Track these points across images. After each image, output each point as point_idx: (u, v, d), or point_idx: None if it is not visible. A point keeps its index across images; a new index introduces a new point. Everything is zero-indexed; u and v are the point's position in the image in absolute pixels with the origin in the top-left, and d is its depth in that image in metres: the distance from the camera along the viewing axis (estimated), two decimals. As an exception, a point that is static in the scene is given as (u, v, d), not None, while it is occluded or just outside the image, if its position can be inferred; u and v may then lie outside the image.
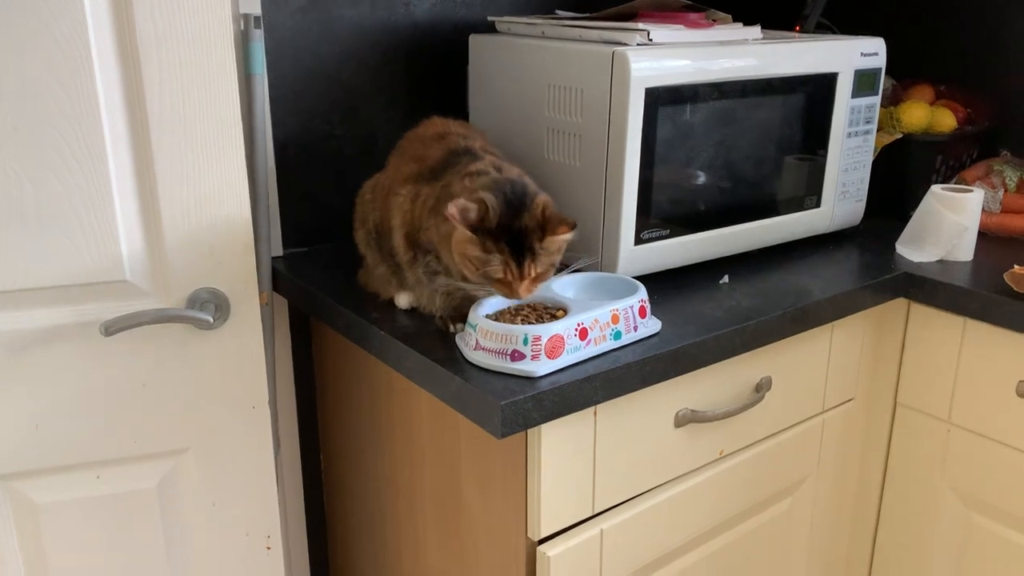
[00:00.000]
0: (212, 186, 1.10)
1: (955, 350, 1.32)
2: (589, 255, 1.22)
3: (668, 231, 1.25)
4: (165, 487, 1.19)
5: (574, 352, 1.01)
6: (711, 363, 1.12)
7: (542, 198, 1.01)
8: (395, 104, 1.48)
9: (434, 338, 1.09)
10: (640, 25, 1.20)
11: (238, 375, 1.17)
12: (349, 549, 1.52)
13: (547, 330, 0.98)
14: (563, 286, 1.13)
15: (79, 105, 1.02)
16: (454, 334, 1.08)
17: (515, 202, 0.99)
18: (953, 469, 1.35)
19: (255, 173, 1.31)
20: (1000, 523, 1.32)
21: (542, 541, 1.07)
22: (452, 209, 0.95)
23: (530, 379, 0.98)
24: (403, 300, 1.18)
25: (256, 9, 1.28)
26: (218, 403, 1.18)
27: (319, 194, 1.43)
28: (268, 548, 1.27)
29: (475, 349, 1.01)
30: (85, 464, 1.14)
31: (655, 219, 1.23)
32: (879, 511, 1.48)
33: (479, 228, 0.97)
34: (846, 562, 1.54)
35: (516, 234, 0.98)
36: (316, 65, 1.38)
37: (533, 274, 0.99)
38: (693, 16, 1.27)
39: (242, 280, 1.14)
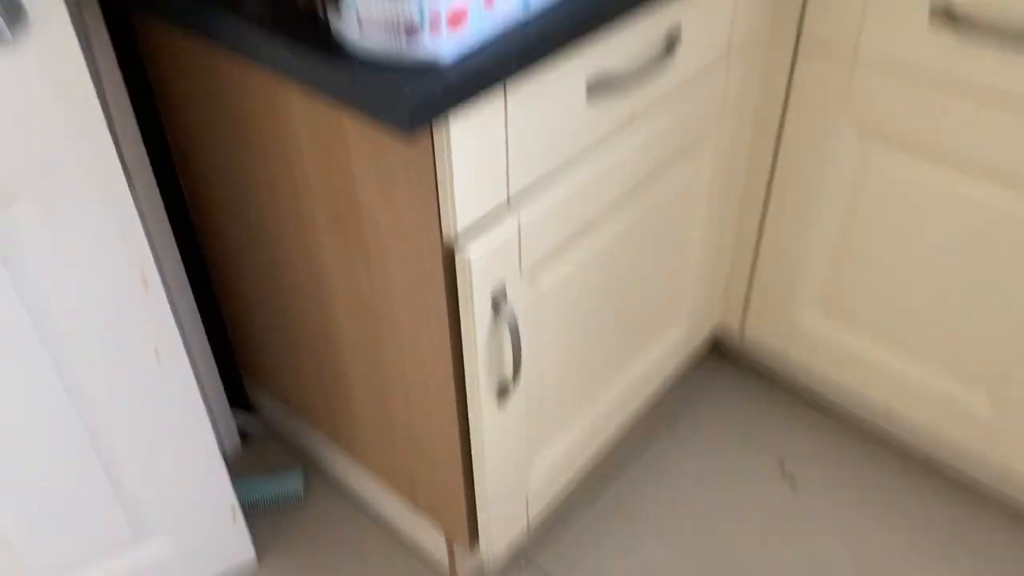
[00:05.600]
0: None
1: (863, -27, 1.22)
2: None
3: None
4: (5, 243, 1.00)
5: (479, 23, 0.84)
6: (622, 12, 0.98)
7: None
8: None
9: (301, 21, 0.89)
10: None
11: (59, 99, 0.94)
12: (236, 277, 1.39)
13: (444, -4, 0.80)
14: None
15: None
16: (326, 16, 0.88)
17: None
18: (856, 101, 1.31)
19: None
20: (898, 151, 1.32)
21: (459, 238, 0.97)
22: None
23: (432, 63, 0.81)
24: (249, -23, 0.94)
25: None
26: (44, 136, 0.96)
27: None
28: (145, 284, 1.12)
29: (359, 30, 0.82)
30: None
31: None
32: (776, 150, 1.46)
33: None
34: (740, 205, 1.54)
35: None
36: None
37: None
38: None
39: (32, -29, 0.87)
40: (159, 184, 1.33)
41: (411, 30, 0.80)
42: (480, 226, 0.99)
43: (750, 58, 1.33)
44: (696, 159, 1.34)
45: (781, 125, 1.43)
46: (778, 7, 1.32)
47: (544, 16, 0.90)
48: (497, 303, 1.05)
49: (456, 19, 0.82)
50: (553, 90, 0.98)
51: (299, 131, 1.03)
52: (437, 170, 0.91)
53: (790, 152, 1.43)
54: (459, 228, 0.96)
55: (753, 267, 1.60)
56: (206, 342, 1.49)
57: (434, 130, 0.88)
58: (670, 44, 1.12)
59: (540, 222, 1.06)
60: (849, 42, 1.27)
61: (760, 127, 1.44)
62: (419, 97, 0.78)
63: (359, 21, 0.82)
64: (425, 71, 0.80)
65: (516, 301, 1.08)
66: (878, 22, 1.23)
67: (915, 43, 1.21)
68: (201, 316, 1.50)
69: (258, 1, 0.93)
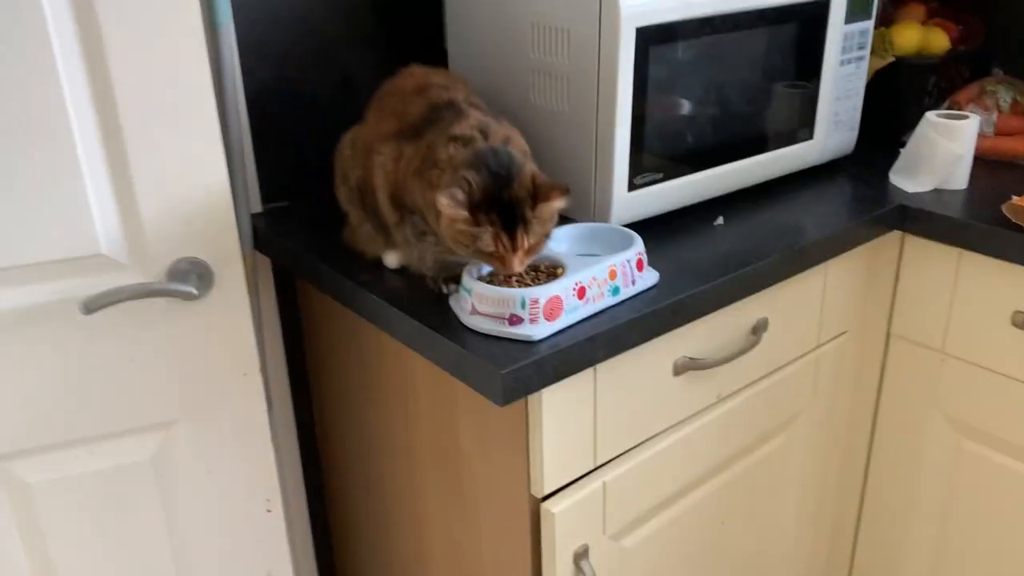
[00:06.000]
0: (185, 151, 1.04)
1: (950, 280, 1.31)
2: (580, 204, 1.19)
3: (662, 175, 1.21)
4: (159, 459, 1.17)
5: (573, 312, 0.99)
6: (709, 312, 1.11)
7: (529, 167, 0.97)
8: (370, 46, 1.41)
9: (427, 300, 1.06)
10: (627, -41, 1.13)
11: (226, 344, 1.14)
12: (349, 508, 1.52)
13: (545, 292, 0.96)
14: (556, 240, 1.09)
15: (37, 74, 0.95)
16: (447, 296, 1.05)
17: (501, 172, 0.94)
18: (945, 398, 1.36)
19: (228, 128, 1.24)
20: (991, 448, 1.34)
21: (545, 497, 1.07)
22: (443, 201, 0.91)
23: (529, 343, 0.95)
24: (391, 259, 1.14)
25: (217, -47, 1.20)
26: (207, 373, 1.15)
27: (296, 144, 1.38)
28: (268, 511, 1.26)
29: (471, 314, 0.98)
30: (76, 441, 1.12)
31: (649, 163, 1.19)
32: (871, 441, 1.50)
33: (468, 206, 0.94)
34: (838, 491, 1.56)
35: (506, 205, 0.94)
36: (284, 9, 1.31)
37: (526, 245, 0.95)
38: (681, -54, 1.20)
39: (224, 248, 1.10)
40: (296, 421, 1.50)
41: (513, 320, 0.95)
42: (567, 489, 1.08)
43: (841, 349, 1.41)
44: (787, 439, 1.39)
45: (875, 412, 1.48)
46: (868, 305, 1.41)
47: (633, 303, 1.04)
48: (579, 562, 1.11)
49: (553, 311, 0.96)
50: (641, 368, 1.10)
51: (418, 387, 1.18)
52: (529, 435, 1.03)
53: (885, 436, 1.47)
54: (546, 489, 1.06)
55: (852, 556, 1.59)
56: (315, 567, 1.59)
57: (528, 401, 1.00)
58: (757, 334, 1.23)
59: (626, 489, 1.14)
60: (936, 340, 1.34)
61: (855, 412, 1.50)
62: (512, 377, 0.91)
63: (473, 307, 0.98)
64: (521, 351, 0.94)
65: (598, 561, 1.14)
66: (963, 323, 1.31)
67: (999, 345, 1.27)
68: (313, 541, 1.62)
69: (395, 280, 1.12)
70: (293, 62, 1.34)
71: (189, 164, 1.05)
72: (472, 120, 1.01)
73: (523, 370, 0.92)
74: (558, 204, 0.96)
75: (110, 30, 0.97)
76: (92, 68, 0.98)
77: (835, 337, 1.39)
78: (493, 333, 0.97)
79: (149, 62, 0.99)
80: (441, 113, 1.04)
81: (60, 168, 1.00)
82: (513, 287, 0.99)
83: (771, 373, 1.30)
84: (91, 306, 1.02)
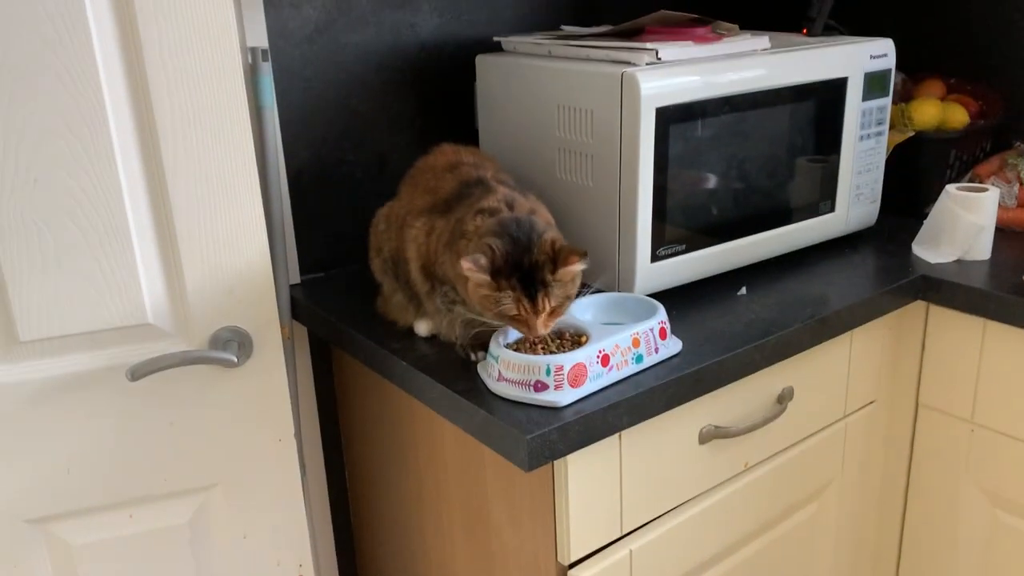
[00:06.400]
0: (230, 226, 1.10)
1: (976, 350, 1.32)
2: (604, 274, 1.23)
3: (684, 246, 1.25)
4: (196, 522, 1.20)
5: (597, 379, 1.02)
6: (733, 380, 1.13)
7: (551, 234, 1.01)
8: (404, 127, 1.49)
9: (455, 367, 1.10)
10: (648, 44, 1.19)
11: (263, 410, 1.18)
12: (379, 573, 1.53)
13: (569, 359, 0.99)
14: (581, 308, 1.13)
15: (94, 152, 1.03)
16: (476, 363, 1.09)
17: (522, 239, 0.99)
18: (977, 468, 1.35)
19: (270, 204, 1.31)
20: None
21: (572, 565, 1.08)
22: (467, 265, 0.96)
23: (554, 409, 0.98)
24: (423, 328, 1.18)
25: (263, 42, 1.29)
26: (245, 438, 1.19)
27: (333, 219, 1.44)
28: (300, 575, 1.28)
29: (498, 380, 1.02)
30: (117, 504, 1.16)
31: (670, 235, 1.23)
32: (904, 511, 1.48)
33: (490, 271, 0.98)
34: (872, 562, 1.54)
35: (527, 270, 0.98)
36: (325, 93, 1.39)
37: (547, 308, 0.99)
38: (700, 31, 1.26)
39: (264, 318, 1.15)
40: (329, 485, 1.53)
41: (539, 387, 0.98)
42: (594, 557, 1.09)
43: (869, 419, 1.42)
44: (817, 509, 1.39)
45: (907, 484, 1.47)
46: (895, 375, 1.42)
47: (657, 371, 1.06)
48: (606, 630, 1.11)
49: (577, 378, 0.99)
50: (666, 436, 1.12)
51: (448, 453, 1.21)
52: (556, 502, 1.05)
53: (919, 508, 1.46)
54: (573, 556, 1.07)
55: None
56: (344, 634, 1.60)
57: (554, 467, 1.03)
58: (782, 403, 1.24)
59: (653, 558, 1.15)
60: (965, 410, 1.34)
61: (886, 484, 1.49)
62: (538, 442, 0.94)
63: (499, 374, 1.01)
64: (547, 417, 0.97)
65: (624, 631, 1.14)
66: (991, 393, 1.31)
67: (1029, 419, 1.27)
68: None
69: (425, 347, 1.15)
70: (332, 142, 1.41)
71: (233, 238, 1.11)
72: (499, 194, 1.06)
73: (548, 435, 0.95)
74: (577, 267, 1.00)
75: (162, 111, 1.04)
76: (145, 149, 1.05)
77: (863, 407, 1.39)
78: (519, 399, 1.00)
79: (198, 141, 1.06)
80: (471, 189, 1.09)
81: (114, 243, 1.06)
82: (539, 354, 1.02)
83: (798, 443, 1.31)
84: (137, 373, 1.07)
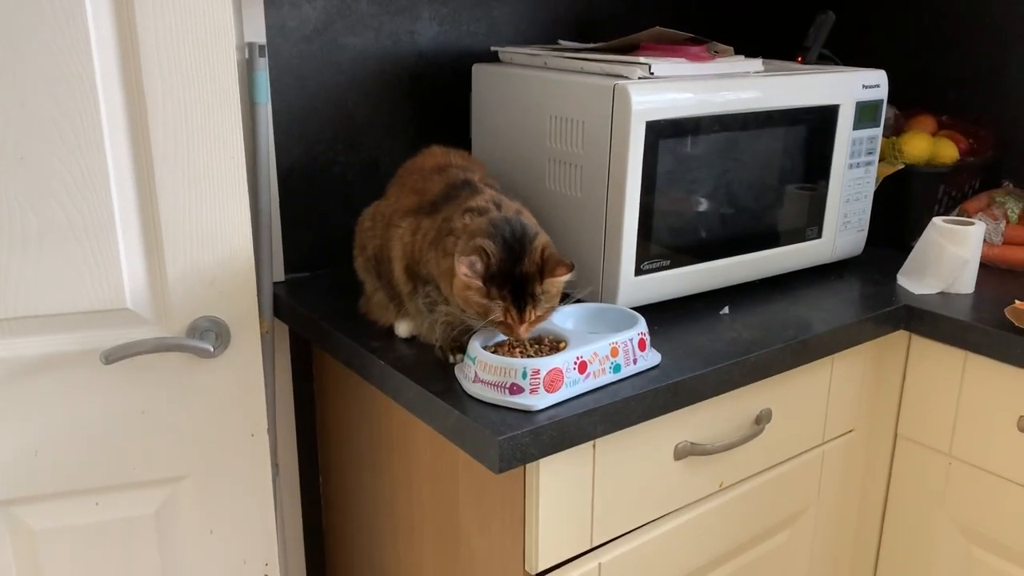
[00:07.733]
0: (215, 217, 1.10)
1: (956, 383, 1.32)
2: (589, 285, 1.23)
3: (669, 262, 1.25)
4: (163, 514, 1.18)
5: (573, 385, 1.01)
6: (711, 396, 1.12)
7: (541, 239, 1.02)
8: (398, 131, 1.49)
9: (433, 368, 1.09)
10: (642, 59, 1.20)
11: (237, 403, 1.17)
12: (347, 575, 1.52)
13: (546, 363, 0.98)
14: (563, 317, 1.13)
15: (83, 136, 1.02)
16: (453, 365, 1.08)
17: (515, 246, 1.00)
18: (953, 502, 1.35)
19: (258, 200, 1.31)
20: (1000, 557, 1.31)
21: (540, 574, 1.06)
22: (463, 268, 0.96)
23: (528, 413, 0.98)
24: (403, 328, 1.18)
25: (260, 38, 1.29)
26: (217, 431, 1.18)
27: (322, 220, 1.44)
28: (266, 576, 1.26)
29: (474, 381, 1.01)
30: (83, 491, 1.14)
31: (656, 250, 1.23)
32: (879, 543, 1.47)
33: (483, 277, 0.99)
34: (846, 593, 1.53)
35: (518, 280, 0.99)
36: (320, 93, 1.39)
37: (533, 318, 1.01)
38: (695, 49, 1.27)
39: (243, 310, 1.14)
40: (301, 485, 1.52)
41: (514, 389, 0.98)
42: (562, 568, 1.08)
43: (848, 447, 1.41)
44: (791, 536, 1.38)
45: (883, 515, 1.46)
46: (875, 405, 1.42)
47: (634, 381, 1.06)
48: (571, 644, 1.10)
49: (553, 382, 0.99)
50: (641, 449, 1.11)
51: (422, 457, 1.20)
52: (526, 509, 1.04)
53: (894, 541, 1.45)
54: (540, 565, 1.05)
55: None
56: (309, 640, 1.58)
57: (526, 473, 1.02)
58: (760, 424, 1.23)
59: (623, 571, 1.13)
60: (943, 443, 1.34)
61: (863, 514, 1.48)
62: (509, 444, 0.93)
63: (476, 375, 1.01)
64: (520, 420, 0.96)
65: (589, 646, 1.13)
66: (969, 427, 1.31)
67: (1005, 449, 1.26)
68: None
69: (404, 348, 1.15)
70: (325, 142, 1.41)
71: (217, 228, 1.10)
72: (487, 195, 1.07)
73: (520, 438, 0.94)
74: (563, 279, 1.01)
75: (154, 99, 1.04)
76: (135, 135, 1.05)
77: (842, 435, 1.39)
78: (494, 402, 0.99)
79: (188, 132, 1.06)
80: (458, 191, 1.09)
81: (97, 226, 1.05)
82: (516, 357, 1.02)
83: (775, 466, 1.30)
84: (111, 357, 1.06)
